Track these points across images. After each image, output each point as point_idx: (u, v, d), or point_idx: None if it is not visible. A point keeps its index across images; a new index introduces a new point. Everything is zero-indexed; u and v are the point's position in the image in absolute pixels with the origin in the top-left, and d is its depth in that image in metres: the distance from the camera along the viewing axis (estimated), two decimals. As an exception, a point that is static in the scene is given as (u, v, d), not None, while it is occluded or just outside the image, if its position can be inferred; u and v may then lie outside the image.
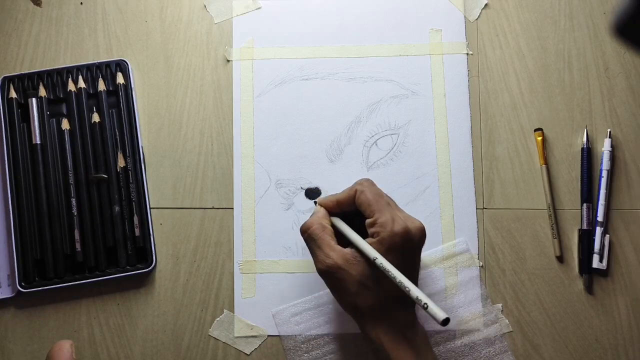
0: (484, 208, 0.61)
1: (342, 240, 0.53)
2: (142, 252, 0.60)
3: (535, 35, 0.64)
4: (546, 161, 0.61)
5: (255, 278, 0.60)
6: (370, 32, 0.64)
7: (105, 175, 0.59)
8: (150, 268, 0.59)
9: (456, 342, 0.59)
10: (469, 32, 0.64)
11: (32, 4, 0.65)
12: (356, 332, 0.59)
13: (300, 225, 0.55)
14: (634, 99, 0.62)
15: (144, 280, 0.60)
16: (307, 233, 0.54)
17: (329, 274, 0.51)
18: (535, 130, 0.61)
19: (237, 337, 0.59)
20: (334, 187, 0.61)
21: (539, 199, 0.61)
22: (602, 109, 0.62)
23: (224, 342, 0.59)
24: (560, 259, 0.60)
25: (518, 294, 0.60)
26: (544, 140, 0.61)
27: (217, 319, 0.59)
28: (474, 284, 0.60)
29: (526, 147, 0.62)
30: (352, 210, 0.54)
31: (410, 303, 0.51)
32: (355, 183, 0.55)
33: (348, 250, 0.52)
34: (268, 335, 0.59)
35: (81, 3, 0.65)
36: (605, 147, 0.61)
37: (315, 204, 0.58)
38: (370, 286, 0.50)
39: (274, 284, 0.60)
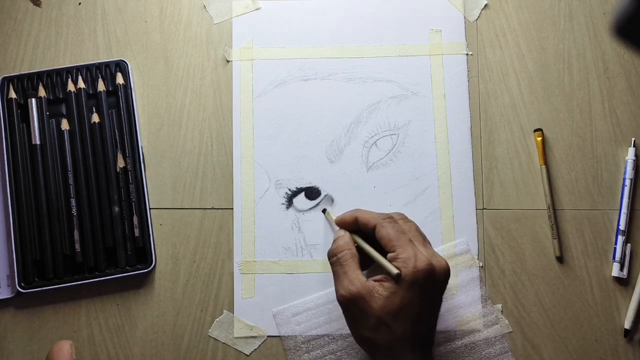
0: (484, 208, 0.61)
1: (363, 263, 0.53)
2: (142, 253, 0.60)
3: (535, 36, 0.64)
4: (546, 161, 0.61)
5: (254, 278, 0.60)
6: (370, 32, 0.64)
7: None
8: (149, 268, 0.59)
9: (456, 342, 0.59)
10: (469, 33, 0.64)
11: (31, 4, 0.65)
12: (356, 333, 0.59)
13: (328, 249, 0.54)
14: (634, 99, 0.62)
15: (143, 281, 0.60)
16: (336, 257, 0.53)
17: (351, 302, 0.50)
18: (535, 130, 0.61)
19: (237, 337, 0.59)
20: (334, 187, 0.61)
21: (538, 200, 0.61)
22: (602, 110, 0.62)
23: (223, 343, 0.59)
24: (560, 259, 0.60)
25: (518, 295, 0.60)
26: (543, 141, 0.61)
27: (217, 319, 0.59)
28: (474, 284, 0.60)
29: (526, 148, 0.62)
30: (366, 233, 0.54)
31: (422, 344, 0.50)
32: (379, 215, 0.54)
33: (372, 282, 0.50)
34: (267, 336, 0.59)
35: (79, 3, 0.65)
36: (629, 155, 0.61)
37: (324, 213, 0.58)
38: (388, 323, 0.49)
39: (274, 285, 0.60)
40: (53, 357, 0.52)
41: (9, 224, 0.59)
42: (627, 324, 0.58)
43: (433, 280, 0.49)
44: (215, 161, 0.62)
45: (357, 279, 0.50)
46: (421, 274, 0.49)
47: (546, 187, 0.61)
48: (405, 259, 0.49)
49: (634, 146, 0.61)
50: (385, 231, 0.51)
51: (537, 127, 0.62)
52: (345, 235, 0.55)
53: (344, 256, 0.52)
